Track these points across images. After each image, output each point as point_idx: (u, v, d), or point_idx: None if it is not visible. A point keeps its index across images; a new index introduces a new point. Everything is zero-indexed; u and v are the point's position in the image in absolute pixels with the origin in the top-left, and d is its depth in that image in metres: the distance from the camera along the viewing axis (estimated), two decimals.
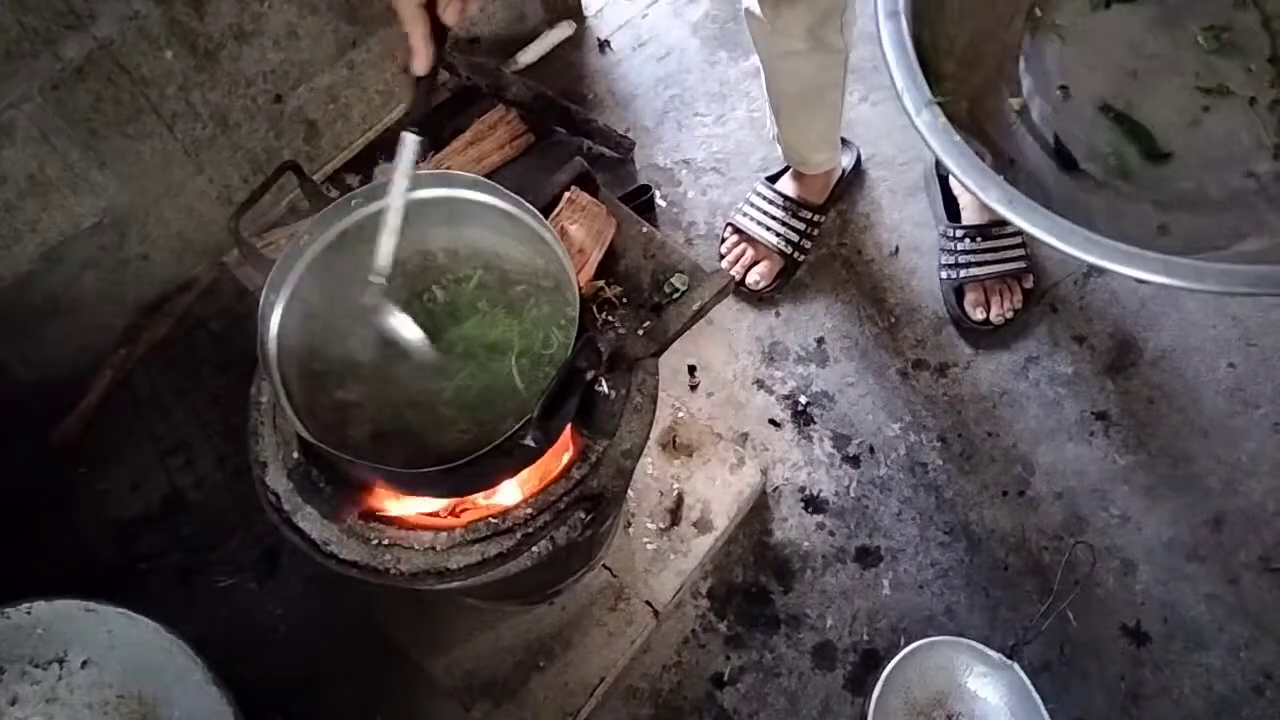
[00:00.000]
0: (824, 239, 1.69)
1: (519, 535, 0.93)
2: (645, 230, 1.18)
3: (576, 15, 1.89)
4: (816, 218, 1.65)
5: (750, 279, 1.63)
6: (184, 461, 1.54)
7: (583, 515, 0.94)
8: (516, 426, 0.80)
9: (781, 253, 1.63)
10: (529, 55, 1.80)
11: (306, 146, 1.65)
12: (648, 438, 0.99)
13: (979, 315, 1.57)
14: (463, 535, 0.94)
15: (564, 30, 1.85)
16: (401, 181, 0.84)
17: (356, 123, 1.71)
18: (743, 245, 1.66)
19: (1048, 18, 0.87)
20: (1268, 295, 0.79)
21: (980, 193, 0.72)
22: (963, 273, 1.58)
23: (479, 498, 0.99)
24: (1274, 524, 1.43)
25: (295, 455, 0.96)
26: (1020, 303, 1.58)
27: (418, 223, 0.96)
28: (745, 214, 1.67)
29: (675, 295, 1.13)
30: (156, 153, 1.44)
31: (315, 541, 0.95)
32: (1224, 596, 1.39)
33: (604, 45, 1.89)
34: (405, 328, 0.93)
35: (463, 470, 0.81)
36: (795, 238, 1.63)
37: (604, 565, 1.37)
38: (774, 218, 1.64)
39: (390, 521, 0.96)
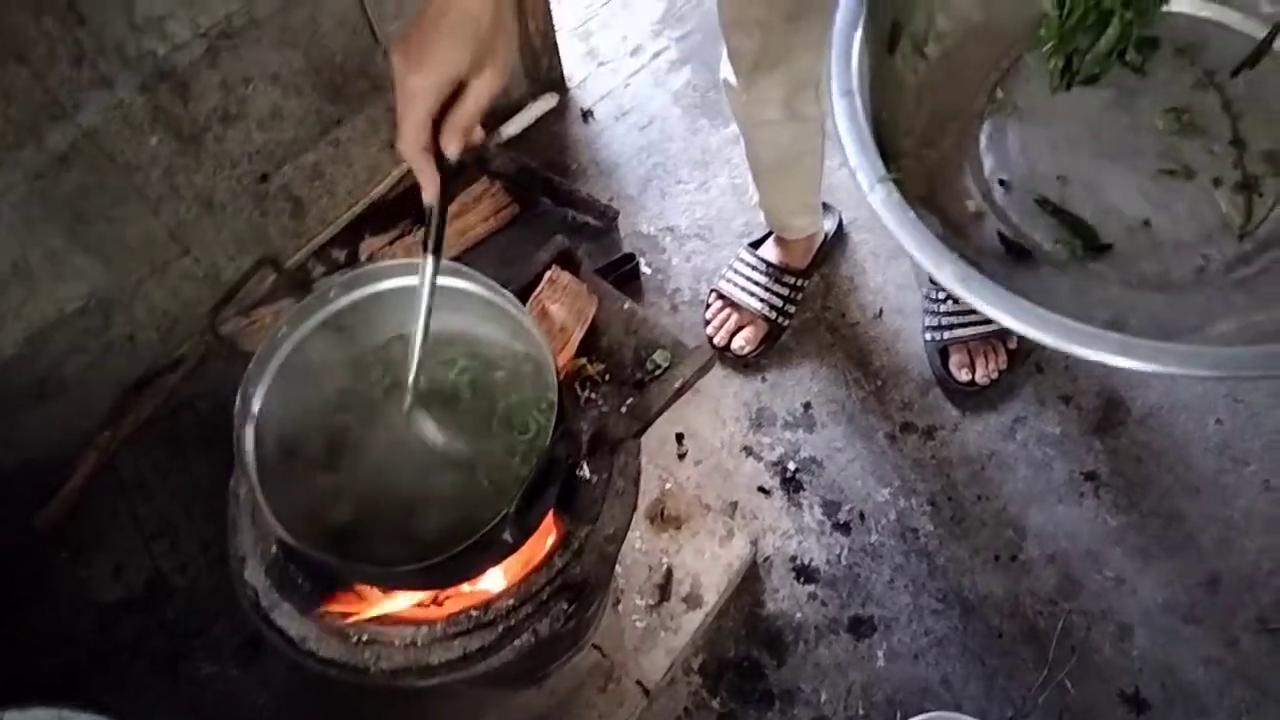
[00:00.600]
0: (808, 303, 1.70)
1: (501, 628, 0.92)
2: (627, 306, 1.18)
3: (559, 87, 1.92)
4: (800, 282, 1.66)
5: (736, 344, 1.63)
6: (168, 545, 1.52)
7: (565, 605, 0.93)
8: (494, 522, 0.79)
9: (766, 318, 1.63)
10: (513, 128, 1.83)
11: (292, 223, 1.66)
12: (630, 523, 0.98)
13: (964, 376, 1.57)
14: (443, 629, 0.92)
15: (547, 102, 1.88)
16: (424, 299, 0.85)
17: (342, 198, 1.72)
18: (727, 311, 1.66)
19: (1008, 99, 0.88)
20: (1230, 379, 0.79)
21: (934, 270, 0.73)
22: (947, 334, 1.59)
23: (462, 586, 0.97)
24: (1270, 583, 1.42)
25: (274, 550, 0.95)
26: (1005, 363, 1.58)
27: (400, 309, 0.97)
28: (729, 280, 1.68)
29: (657, 371, 1.13)
30: (141, 236, 1.45)
31: (293, 639, 0.94)
32: (1223, 659, 1.37)
33: (587, 115, 1.92)
34: (429, 430, 0.93)
35: (438, 566, 0.80)
36: (779, 303, 1.64)
37: (593, 645, 1.35)
38: (758, 283, 1.65)
39: (370, 617, 0.95)
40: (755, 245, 1.71)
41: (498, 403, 0.95)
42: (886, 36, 0.87)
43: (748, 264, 1.67)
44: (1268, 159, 0.78)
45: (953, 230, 0.84)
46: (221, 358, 1.54)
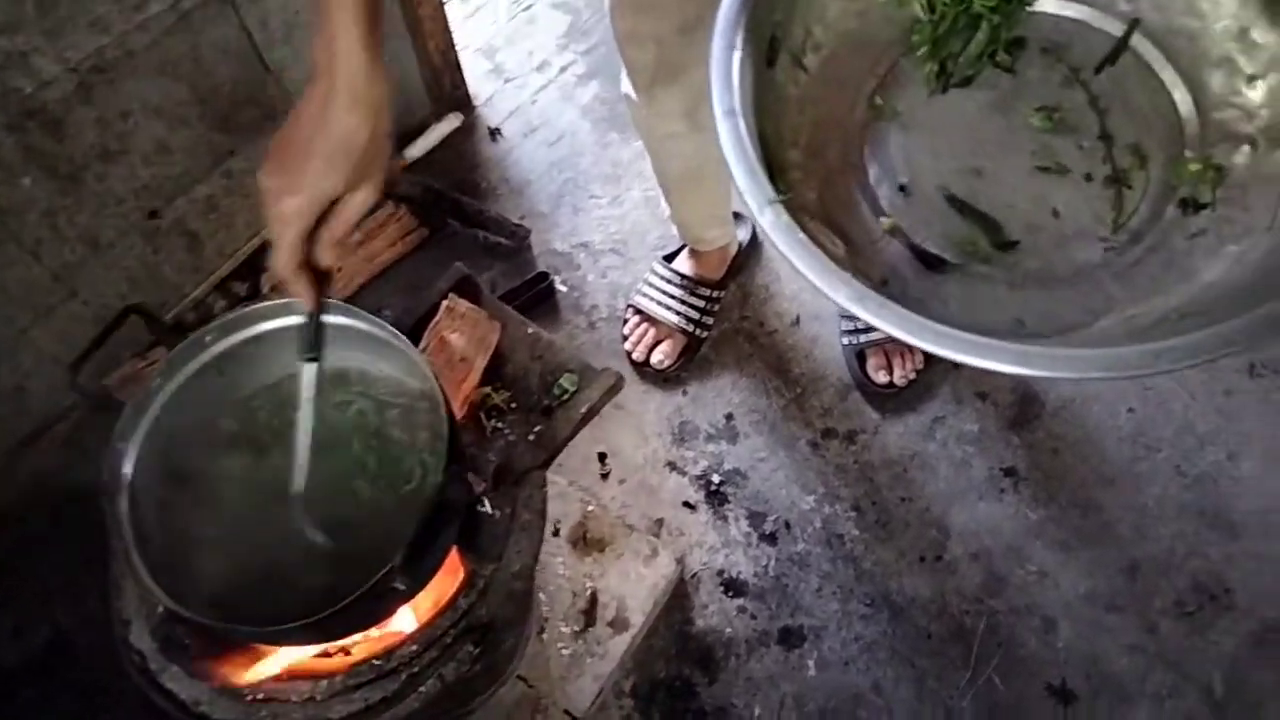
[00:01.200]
0: (725, 314, 1.69)
1: (404, 676, 0.88)
2: (531, 331, 1.15)
3: (464, 106, 1.88)
4: (715, 293, 1.65)
5: (654, 359, 1.62)
6: (70, 601, 1.44)
7: (472, 648, 0.90)
8: (381, 573, 0.76)
9: (684, 330, 1.62)
10: (417, 150, 1.79)
11: (189, 258, 1.60)
12: (537, 557, 0.95)
13: (882, 379, 1.58)
14: (344, 681, 0.88)
15: (452, 122, 1.84)
16: (307, 409, 0.82)
17: (241, 230, 1.66)
18: (645, 325, 1.64)
19: (887, 105, 0.88)
20: (1120, 379, 0.79)
21: (830, 293, 0.71)
22: (862, 338, 1.59)
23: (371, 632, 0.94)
24: (1184, 567, 1.44)
25: (159, 610, 0.90)
26: (921, 363, 1.59)
27: (289, 349, 0.93)
28: (645, 294, 1.66)
29: (565, 396, 1.10)
30: (21, 281, 1.38)
31: (184, 703, 0.89)
32: (1144, 646, 1.39)
33: (494, 133, 1.89)
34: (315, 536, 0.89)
35: (328, 620, 0.76)
36: (696, 315, 1.63)
37: (518, 676, 1.32)
38: (673, 296, 1.63)
39: (268, 675, 0.90)
40: (669, 258, 1.69)
41: (389, 447, 0.92)
42: (765, 50, 0.86)
43: (663, 278, 1.66)
44: (1133, 152, 0.79)
45: (852, 245, 0.83)
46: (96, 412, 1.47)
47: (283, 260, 0.73)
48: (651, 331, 1.64)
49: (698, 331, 1.63)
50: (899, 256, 0.86)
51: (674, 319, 1.62)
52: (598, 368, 1.10)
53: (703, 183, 1.50)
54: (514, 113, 1.92)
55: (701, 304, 1.63)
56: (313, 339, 0.79)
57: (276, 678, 0.90)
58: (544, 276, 1.69)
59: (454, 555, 0.94)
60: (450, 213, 1.73)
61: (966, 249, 0.84)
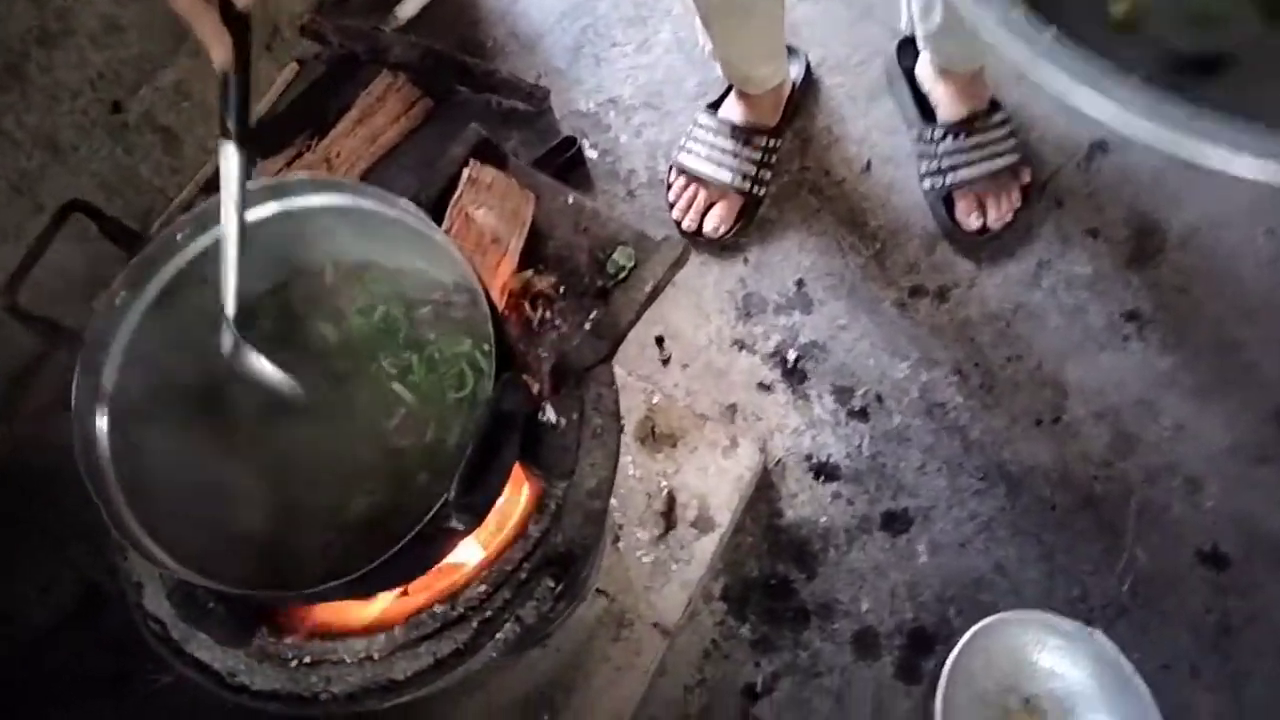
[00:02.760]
0: (784, 165, 1.46)
1: (475, 623, 0.73)
2: (572, 200, 0.95)
3: None
4: (772, 142, 1.42)
5: (708, 226, 1.41)
6: (92, 549, 1.31)
7: (551, 583, 0.74)
8: (433, 511, 0.59)
9: (739, 189, 1.40)
10: (409, 8, 1.54)
11: (167, 159, 1.40)
12: (616, 468, 0.78)
13: (974, 223, 1.36)
14: (404, 635, 0.73)
15: None
16: (230, 206, 0.63)
17: None
18: (693, 188, 1.43)
19: None
20: None
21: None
22: (949, 178, 1.37)
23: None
24: None
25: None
26: (1019, 201, 1.37)
27: (287, 239, 0.74)
28: (690, 151, 1.43)
29: (622, 274, 0.92)
30: None
31: (219, 674, 0.75)
32: None
33: None
34: (277, 378, 0.71)
35: (370, 575, 0.60)
36: (752, 169, 1.40)
37: (597, 590, 1.18)
38: (723, 150, 1.41)
39: (312, 631, 0.75)
40: (714, 106, 1.46)
41: (423, 352, 0.73)
42: None
43: (709, 129, 1.43)
44: None
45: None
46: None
47: None
48: (702, 194, 1.42)
49: (755, 189, 1.41)
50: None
51: (727, 176, 1.40)
52: (654, 236, 0.91)
53: (751, 9, 1.25)
54: None
55: (757, 155, 1.41)
56: (236, 108, 0.61)
57: (323, 634, 0.75)
58: (571, 142, 1.47)
59: (517, 473, 0.77)
60: (456, 78, 1.49)
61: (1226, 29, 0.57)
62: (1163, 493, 1.23)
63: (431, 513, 0.58)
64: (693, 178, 1.42)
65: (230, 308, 0.66)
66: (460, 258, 0.67)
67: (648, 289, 0.86)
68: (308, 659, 0.73)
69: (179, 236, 0.71)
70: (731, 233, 1.41)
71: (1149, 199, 1.38)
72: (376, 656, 0.73)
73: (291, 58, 1.52)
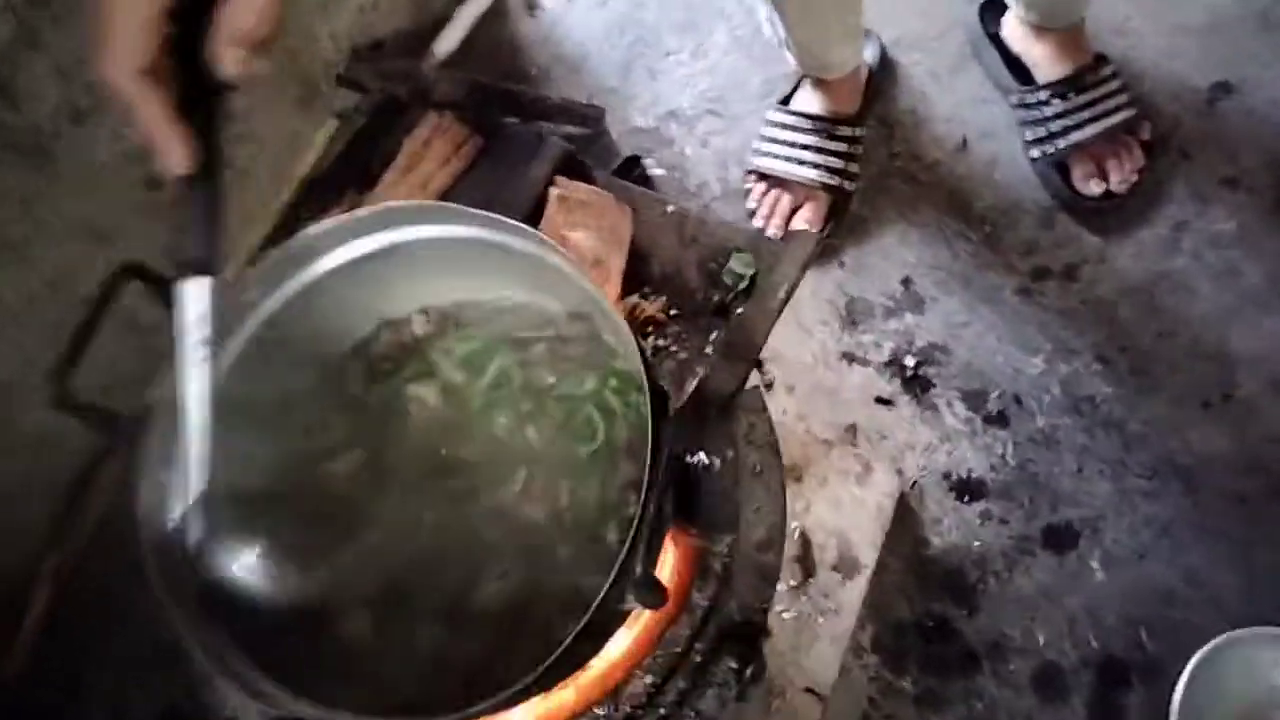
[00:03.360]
0: (870, 156, 1.33)
1: None
2: (672, 209, 0.84)
3: None
4: (856, 131, 1.29)
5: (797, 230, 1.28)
6: (169, 662, 1.21)
7: (733, 663, 0.60)
8: (601, 595, 0.46)
9: (826, 186, 1.27)
10: (447, 43, 1.45)
11: None
12: (785, 513, 0.65)
13: (1096, 189, 1.22)
14: None
15: (480, 2, 1.50)
16: (193, 361, 0.50)
17: (265, 186, 1.36)
18: (775, 191, 1.30)
19: None
20: None
21: None
22: (1060, 143, 1.23)
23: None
24: None
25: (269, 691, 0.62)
26: (1143, 159, 1.23)
27: (365, 286, 0.63)
28: (766, 153, 1.31)
29: (742, 284, 0.80)
30: (20, 292, 1.11)
31: None
32: None
33: (532, 6, 1.54)
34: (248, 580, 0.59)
35: (535, 682, 0.47)
36: (838, 163, 1.28)
37: None
38: (804, 146, 1.29)
39: None
40: (785, 101, 1.34)
41: (541, 401, 0.61)
42: None
43: (785, 126, 1.31)
44: None
45: None
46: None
47: (121, 49, 0.41)
48: (786, 197, 1.30)
49: (843, 183, 1.28)
50: None
51: (811, 174, 1.27)
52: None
53: None
54: None
55: (841, 148, 1.28)
56: (204, 231, 0.47)
57: None
58: (635, 161, 1.36)
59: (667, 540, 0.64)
60: (504, 109, 1.39)
61: None
62: None
63: (603, 593, 0.45)
64: (774, 180, 1.30)
65: (198, 486, 0.54)
66: (581, 276, 0.55)
67: (781, 294, 0.74)
68: None
69: (248, 296, 0.60)
70: (824, 234, 1.29)
71: None
72: None
73: (330, 113, 1.44)
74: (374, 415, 0.63)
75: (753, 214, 1.32)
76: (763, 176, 1.31)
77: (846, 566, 1.06)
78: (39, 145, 1.07)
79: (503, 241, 0.58)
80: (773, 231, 1.30)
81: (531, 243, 0.57)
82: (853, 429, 1.21)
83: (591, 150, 1.42)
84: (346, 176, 1.40)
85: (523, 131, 1.43)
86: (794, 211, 1.30)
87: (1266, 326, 1.16)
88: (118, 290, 0.60)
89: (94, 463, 1.26)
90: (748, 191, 1.33)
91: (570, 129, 1.42)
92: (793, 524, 1.08)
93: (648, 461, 0.47)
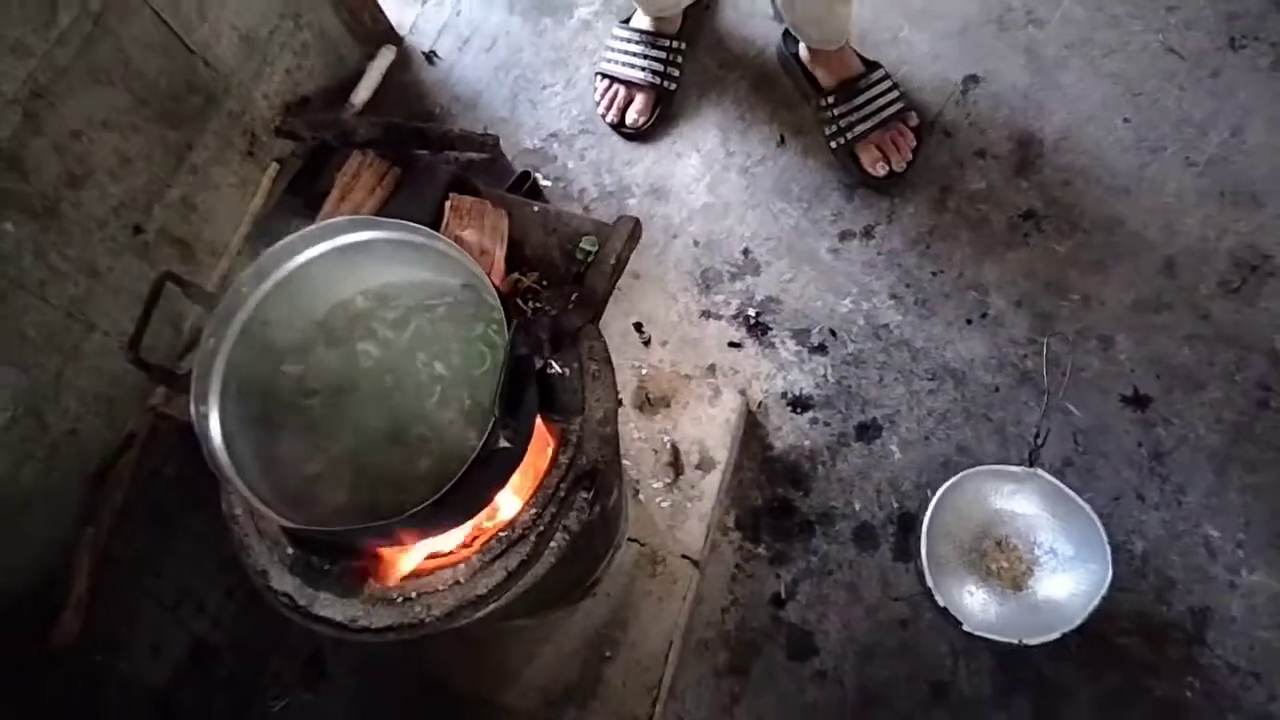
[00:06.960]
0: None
1: (533, 538, 0.92)
2: (537, 209, 1.17)
3: (392, 38, 1.85)
4: (675, 44, 1.70)
5: (629, 118, 1.70)
6: (195, 608, 1.50)
7: (585, 494, 0.94)
8: (486, 434, 0.79)
9: (652, 85, 1.69)
10: (363, 93, 1.76)
11: (184, 267, 1.60)
12: (617, 399, 0.98)
13: (881, 171, 1.58)
14: (480, 559, 0.92)
15: (387, 57, 1.81)
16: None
17: (223, 223, 1.66)
18: (615, 88, 1.71)
19: None
20: None
21: None
22: (848, 135, 1.59)
23: (484, 521, 0.97)
24: (1219, 248, 1.47)
25: (289, 551, 0.94)
26: (914, 141, 1.59)
27: (321, 278, 0.95)
28: (609, 59, 1.73)
29: (589, 258, 1.12)
30: (40, 326, 1.39)
31: (343, 623, 0.93)
32: (1201, 332, 1.43)
33: (430, 56, 1.86)
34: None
35: (449, 499, 0.80)
36: (660, 66, 1.68)
37: (630, 539, 1.37)
38: (635, 54, 1.70)
39: (408, 575, 0.94)
40: (625, 22, 1.76)
41: (450, 344, 0.94)
42: None
43: (623, 39, 1.72)
44: None
45: None
46: (168, 404, 1.50)
47: None
48: (621, 92, 1.70)
49: (665, 84, 1.69)
50: None
51: (640, 75, 1.68)
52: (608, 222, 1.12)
53: None
54: (442, 30, 1.88)
55: (664, 55, 1.69)
56: None
57: (418, 575, 0.94)
58: (526, 176, 1.68)
59: (541, 430, 0.97)
60: (416, 144, 1.71)
61: None
62: (1083, 355, 1.44)
63: (486, 434, 0.78)
64: (614, 80, 1.70)
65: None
66: (466, 259, 0.88)
67: (613, 261, 1.07)
68: (411, 594, 0.93)
69: (243, 289, 0.92)
70: (648, 123, 1.69)
71: (1021, 115, 1.60)
72: (462, 580, 0.92)
73: (271, 159, 1.74)
74: (337, 363, 0.95)
75: (598, 105, 1.72)
76: (606, 76, 1.72)
77: (706, 464, 1.40)
78: (47, 207, 1.36)
79: (415, 240, 0.90)
80: (611, 117, 1.71)
81: (435, 240, 0.89)
82: (712, 368, 1.55)
83: (492, 170, 1.76)
84: (292, 208, 1.71)
85: (432, 161, 1.76)
86: (628, 103, 1.70)
87: (1009, 259, 1.53)
88: (162, 287, 0.90)
89: (110, 459, 1.56)
90: (595, 89, 1.73)
91: (472, 155, 1.75)
92: (664, 439, 1.42)
93: (505, 347, 0.81)
